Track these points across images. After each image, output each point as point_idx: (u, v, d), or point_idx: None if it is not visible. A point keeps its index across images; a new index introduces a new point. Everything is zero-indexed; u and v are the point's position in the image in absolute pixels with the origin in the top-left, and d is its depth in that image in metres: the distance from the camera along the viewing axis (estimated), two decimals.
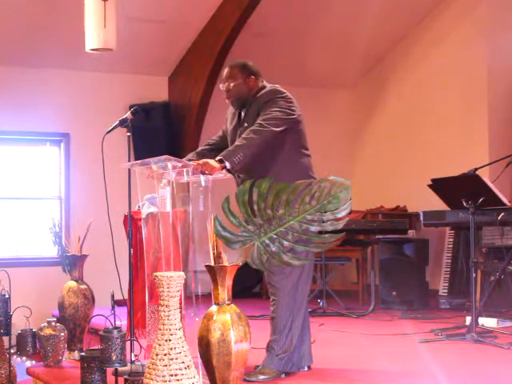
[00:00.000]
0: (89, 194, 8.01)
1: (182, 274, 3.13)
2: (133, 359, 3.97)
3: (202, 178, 3.74)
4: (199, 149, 4.33)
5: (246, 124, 4.03)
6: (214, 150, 4.15)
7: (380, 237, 7.30)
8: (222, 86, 4.17)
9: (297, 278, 4.01)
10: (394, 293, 7.05)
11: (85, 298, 4.87)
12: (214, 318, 3.28)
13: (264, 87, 4.13)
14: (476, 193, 5.08)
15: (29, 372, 4.65)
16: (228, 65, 4.20)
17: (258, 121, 3.92)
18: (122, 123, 4.21)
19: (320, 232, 3.24)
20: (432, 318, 6.34)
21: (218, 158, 3.79)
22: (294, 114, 4.01)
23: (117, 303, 4.16)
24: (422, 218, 6.50)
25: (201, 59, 8.09)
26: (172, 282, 3.08)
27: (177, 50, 8.37)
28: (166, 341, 3.06)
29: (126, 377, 3.56)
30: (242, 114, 4.15)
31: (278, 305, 4.01)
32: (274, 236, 3.18)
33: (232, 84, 4.11)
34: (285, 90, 4.09)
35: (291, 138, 4.04)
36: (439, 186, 5.35)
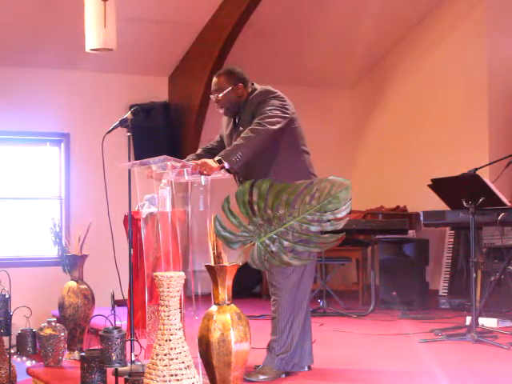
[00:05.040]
0: (89, 194, 8.00)
1: (182, 274, 3.13)
2: (133, 359, 3.97)
3: (202, 177, 3.74)
4: (199, 151, 4.34)
5: (241, 128, 4.03)
6: (212, 154, 4.14)
7: (380, 237, 7.29)
8: (212, 97, 4.16)
9: (298, 277, 4.01)
10: (394, 293, 7.05)
11: (85, 298, 4.87)
12: (214, 317, 3.28)
13: (255, 90, 4.12)
14: (476, 193, 5.07)
15: (29, 372, 4.66)
16: (215, 75, 4.18)
17: (255, 121, 3.92)
18: (122, 123, 4.21)
19: (320, 232, 3.25)
20: (432, 318, 6.34)
21: (216, 158, 3.80)
22: (288, 112, 4.01)
23: (117, 303, 4.16)
24: (422, 218, 6.50)
25: (201, 59, 8.09)
26: (172, 281, 3.08)
27: (177, 50, 8.37)
28: (166, 341, 3.06)
29: (126, 377, 3.56)
30: (237, 119, 4.15)
31: (279, 305, 4.01)
32: (274, 236, 3.18)
33: (221, 95, 4.10)
34: (276, 90, 4.09)
35: (287, 136, 4.04)
36: (439, 185, 5.34)
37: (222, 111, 4.18)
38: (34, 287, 7.69)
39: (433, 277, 7.79)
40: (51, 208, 8.43)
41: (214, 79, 4.15)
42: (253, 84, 4.17)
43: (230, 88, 4.09)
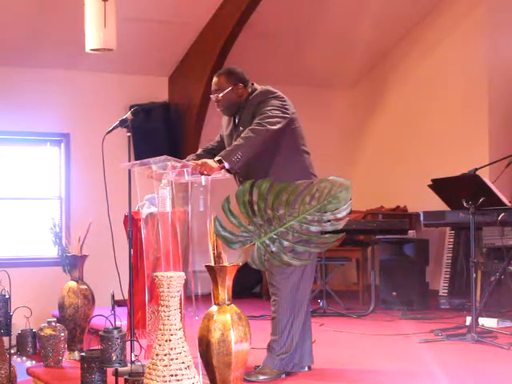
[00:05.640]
0: (89, 194, 8.00)
1: (182, 274, 3.13)
2: (133, 359, 3.97)
3: (202, 178, 3.74)
4: (199, 151, 4.34)
5: (241, 128, 4.03)
6: (212, 154, 4.14)
7: (380, 237, 7.29)
8: (212, 97, 4.16)
9: (298, 278, 4.01)
10: (394, 293, 7.05)
11: (85, 298, 4.87)
12: (215, 318, 3.28)
13: (255, 90, 4.12)
14: (476, 193, 5.07)
15: (29, 372, 4.66)
16: (215, 74, 4.19)
17: (255, 121, 3.92)
18: (122, 123, 4.21)
19: (320, 232, 3.25)
20: (432, 318, 6.34)
21: (216, 158, 3.80)
22: (288, 113, 4.01)
23: (117, 303, 4.16)
24: (422, 218, 6.49)
25: (201, 59, 8.08)
26: (172, 282, 3.08)
27: (177, 50, 8.37)
28: (166, 341, 3.06)
29: (126, 377, 3.56)
30: (237, 119, 4.15)
31: (279, 305, 4.01)
32: (275, 236, 3.18)
33: (221, 95, 4.10)
34: (276, 90, 4.09)
35: (287, 136, 4.04)
36: (439, 186, 5.35)
37: (221, 111, 4.18)
38: (33, 287, 7.69)
39: (433, 277, 7.79)
40: (51, 208, 8.43)
41: (214, 79, 4.15)
42: (253, 84, 4.17)
43: (230, 88, 4.09)
